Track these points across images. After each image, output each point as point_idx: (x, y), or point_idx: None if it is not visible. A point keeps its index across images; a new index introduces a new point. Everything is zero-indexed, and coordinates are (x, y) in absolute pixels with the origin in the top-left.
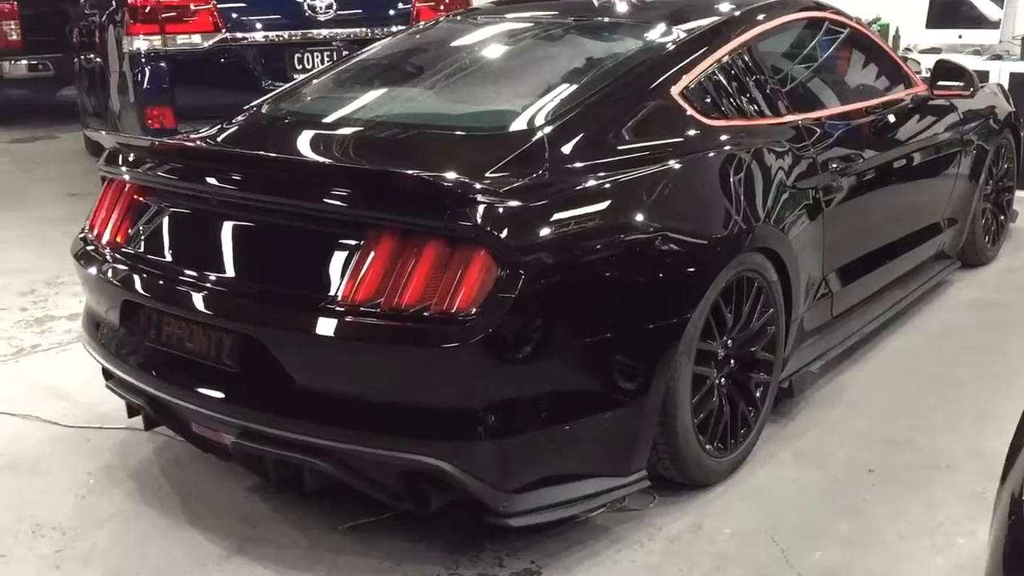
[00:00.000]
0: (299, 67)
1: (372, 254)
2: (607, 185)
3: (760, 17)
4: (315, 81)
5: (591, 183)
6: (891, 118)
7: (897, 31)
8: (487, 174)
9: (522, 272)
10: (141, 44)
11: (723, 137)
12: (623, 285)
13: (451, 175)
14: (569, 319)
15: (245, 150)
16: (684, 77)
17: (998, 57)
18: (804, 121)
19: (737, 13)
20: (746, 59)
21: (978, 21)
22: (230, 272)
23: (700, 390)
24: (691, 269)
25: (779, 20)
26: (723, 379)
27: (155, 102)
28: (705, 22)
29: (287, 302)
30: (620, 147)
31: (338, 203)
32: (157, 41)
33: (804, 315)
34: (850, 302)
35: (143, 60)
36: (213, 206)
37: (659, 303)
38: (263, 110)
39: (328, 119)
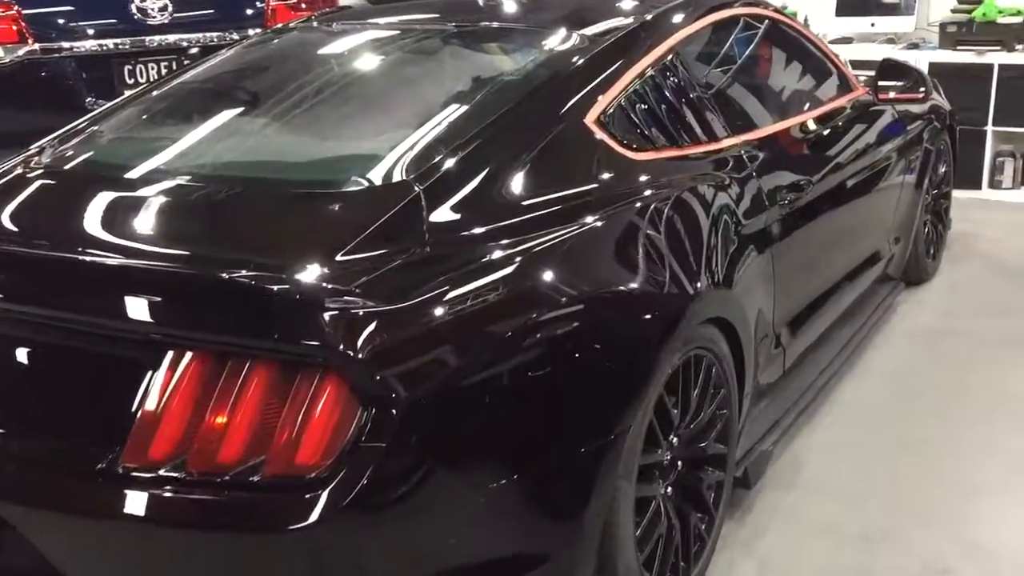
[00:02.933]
0: (130, 81)
1: (172, 388)
2: (510, 262)
3: (682, 17)
4: (119, 112)
5: (487, 260)
6: (834, 131)
7: (806, 20)
8: (339, 257)
9: (395, 406)
10: None
11: (653, 176)
12: (540, 403)
13: (285, 265)
14: (468, 465)
15: None
16: (600, 99)
17: (915, 46)
18: (744, 145)
19: (654, 14)
20: (673, 71)
21: (891, 8)
22: None
23: (644, 515)
24: (628, 364)
25: (705, 21)
26: (669, 490)
27: None
28: (618, 25)
29: (50, 462)
30: (524, 202)
31: (123, 315)
32: None
33: (755, 381)
34: (800, 351)
35: None
36: None
37: (589, 418)
38: (41, 158)
39: (126, 174)
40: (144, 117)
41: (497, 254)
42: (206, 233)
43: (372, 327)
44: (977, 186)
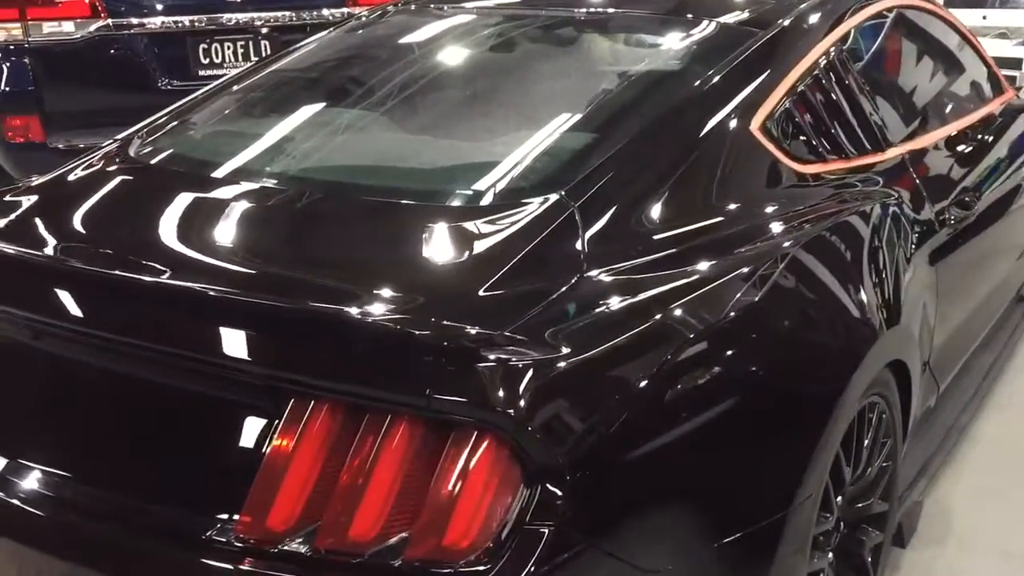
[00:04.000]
0: (206, 61)
1: (296, 444)
2: (678, 298)
3: (846, 6)
4: (214, 100)
5: (654, 295)
6: (992, 139)
7: None
8: (483, 291)
9: (566, 479)
10: None
11: (825, 192)
12: (721, 470)
13: (424, 301)
14: (642, 547)
15: (66, 258)
16: (765, 103)
17: None
18: (909, 155)
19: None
20: (840, 69)
21: (1005, 0)
22: (52, 470)
23: None
24: (811, 421)
25: (869, 10)
26: (831, 556)
27: (16, 109)
28: (778, 15)
29: (146, 527)
30: (685, 225)
31: (235, 353)
32: (16, 30)
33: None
34: (948, 382)
35: None
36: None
37: (770, 485)
38: (129, 150)
39: (227, 179)
40: (244, 108)
41: (663, 288)
42: (327, 256)
43: (538, 381)
44: None
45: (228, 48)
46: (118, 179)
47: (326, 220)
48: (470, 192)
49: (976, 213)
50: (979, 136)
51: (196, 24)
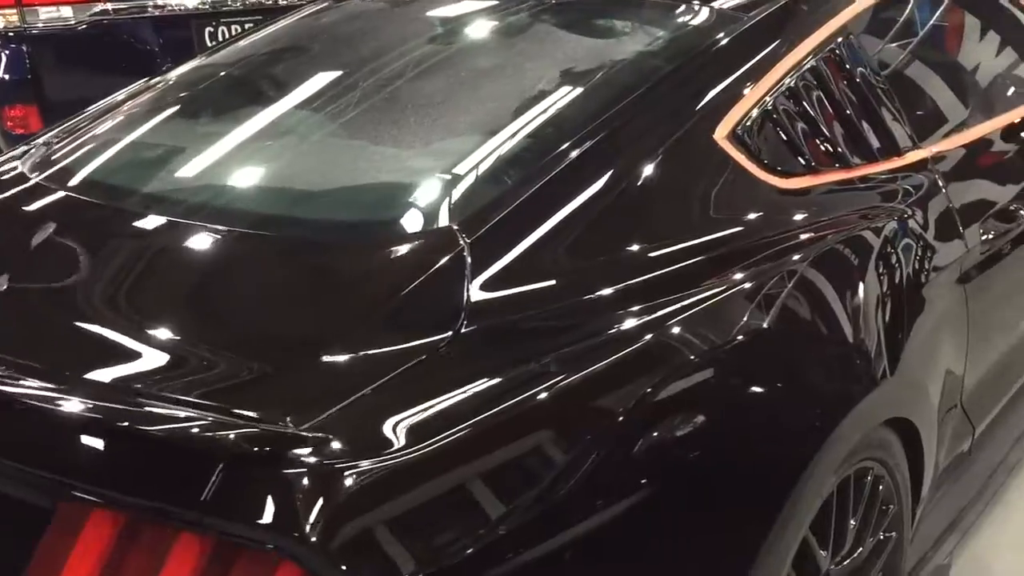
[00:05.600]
0: (212, 44)
1: (61, 557)
2: (585, 365)
3: None
4: (118, 110)
5: (550, 364)
6: None
7: None
8: (311, 365)
9: None
10: None
11: (809, 212)
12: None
13: (216, 392)
14: None
15: None
16: (738, 104)
17: None
18: (935, 156)
19: None
20: (843, 57)
21: None
22: None
23: None
24: (760, 512)
25: None
26: None
27: (15, 98)
28: None
29: None
30: (626, 264)
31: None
32: (12, 16)
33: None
34: (988, 421)
35: None
36: None
37: None
38: (26, 168)
39: (116, 202)
40: (150, 116)
41: (571, 350)
42: (112, 314)
43: (340, 493)
44: None
45: (236, 31)
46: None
47: (135, 260)
48: (331, 222)
49: (1021, 223)
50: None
51: (201, 6)
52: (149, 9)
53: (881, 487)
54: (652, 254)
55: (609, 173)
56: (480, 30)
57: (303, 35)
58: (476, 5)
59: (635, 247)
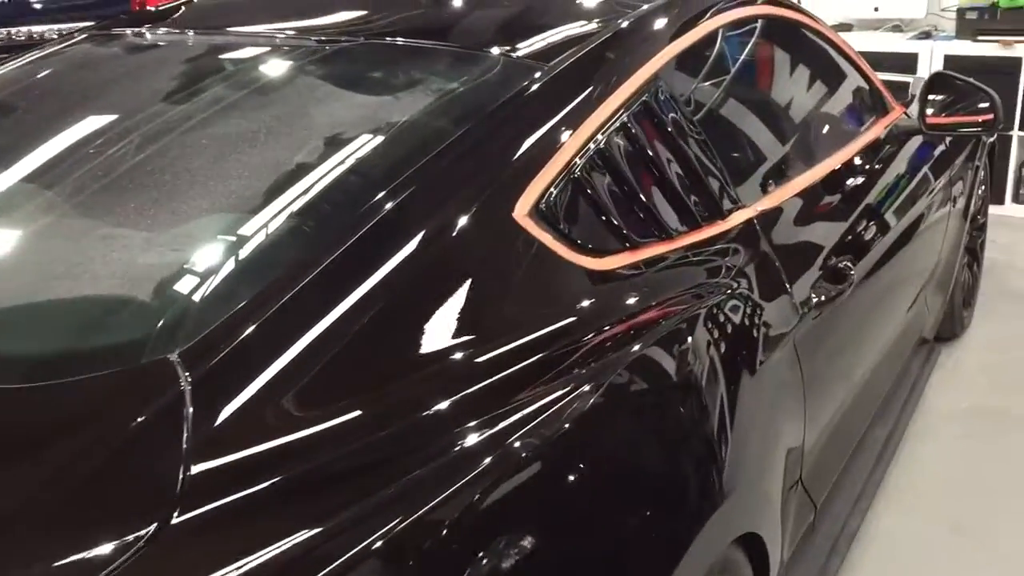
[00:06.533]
0: None
1: None
2: (346, 547)
3: (674, 24)
4: None
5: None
6: (875, 177)
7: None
8: None
9: None
10: None
11: (629, 295)
12: None
13: None
14: None
15: None
16: (541, 175)
17: (926, 35)
18: (760, 215)
19: (630, 20)
20: (656, 112)
21: None
22: None
23: None
24: None
25: (704, 28)
26: None
27: None
28: (572, 36)
29: None
30: (420, 380)
31: None
32: None
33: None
34: (829, 485)
35: None
36: None
37: None
38: None
39: None
40: None
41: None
42: None
43: None
44: (1000, 201)
45: None
46: None
47: None
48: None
49: (854, 282)
50: (859, 175)
51: None
52: None
53: None
54: (446, 368)
55: (384, 273)
56: (232, 85)
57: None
58: (229, 52)
59: (424, 364)
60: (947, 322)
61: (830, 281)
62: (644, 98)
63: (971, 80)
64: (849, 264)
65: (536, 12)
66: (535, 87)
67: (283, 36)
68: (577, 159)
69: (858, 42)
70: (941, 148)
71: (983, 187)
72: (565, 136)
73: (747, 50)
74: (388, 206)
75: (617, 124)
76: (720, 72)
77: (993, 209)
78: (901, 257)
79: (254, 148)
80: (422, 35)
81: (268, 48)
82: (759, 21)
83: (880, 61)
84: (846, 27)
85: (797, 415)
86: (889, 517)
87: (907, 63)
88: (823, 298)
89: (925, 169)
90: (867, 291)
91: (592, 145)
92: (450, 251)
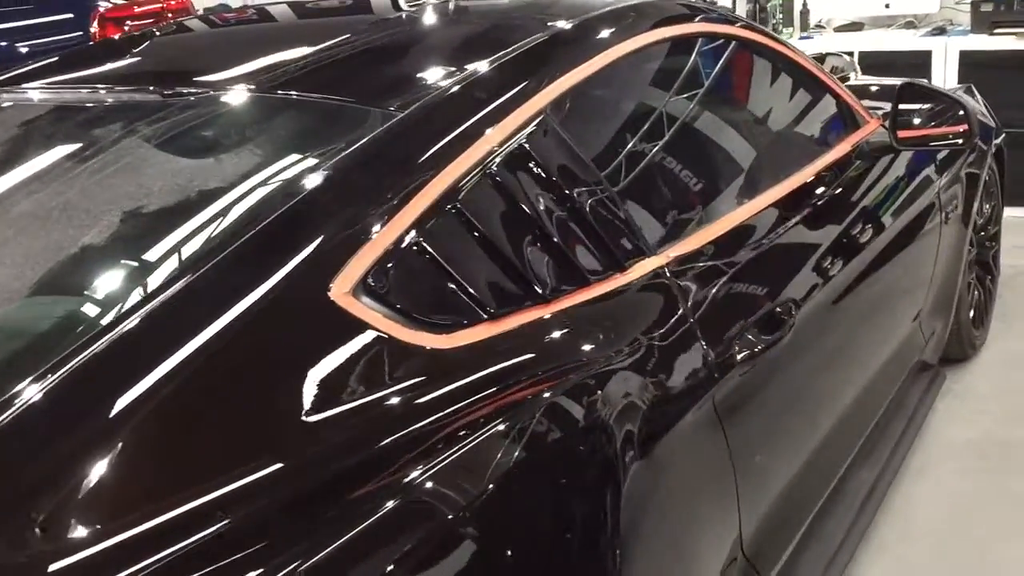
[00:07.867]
0: None
1: None
2: None
3: (583, 45)
4: None
5: None
6: (834, 201)
7: (805, 4)
8: None
9: None
10: None
11: (473, 383)
12: None
13: None
14: None
15: None
16: (373, 242)
17: (940, 31)
18: (675, 261)
19: (537, 41)
20: (534, 156)
21: None
22: None
23: None
24: None
25: (633, 43)
26: None
27: None
28: (435, 79)
29: None
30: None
31: None
32: None
33: None
34: (787, 546)
35: None
36: None
37: None
38: None
39: None
40: None
41: None
42: None
43: None
44: (1022, 202)
45: None
46: None
47: None
48: None
49: (794, 326)
50: (811, 203)
51: None
52: None
53: None
54: (258, 483)
55: (183, 373)
56: (64, 154)
57: None
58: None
59: (211, 477)
60: (954, 343)
61: (763, 330)
62: (517, 141)
63: (941, 89)
64: (792, 306)
65: (397, 50)
66: (370, 139)
67: (120, 89)
68: (423, 222)
69: (869, 42)
70: (926, 160)
71: (992, 200)
72: (403, 198)
73: (677, 75)
74: (182, 299)
75: (476, 177)
76: (641, 100)
77: (1014, 211)
78: (873, 284)
79: (36, 226)
80: (257, 81)
81: (97, 105)
82: (700, 42)
83: (891, 61)
84: (856, 26)
85: (725, 485)
86: (873, 574)
87: (920, 61)
88: (755, 350)
89: (904, 184)
90: (827, 329)
91: (444, 204)
92: (254, 344)
